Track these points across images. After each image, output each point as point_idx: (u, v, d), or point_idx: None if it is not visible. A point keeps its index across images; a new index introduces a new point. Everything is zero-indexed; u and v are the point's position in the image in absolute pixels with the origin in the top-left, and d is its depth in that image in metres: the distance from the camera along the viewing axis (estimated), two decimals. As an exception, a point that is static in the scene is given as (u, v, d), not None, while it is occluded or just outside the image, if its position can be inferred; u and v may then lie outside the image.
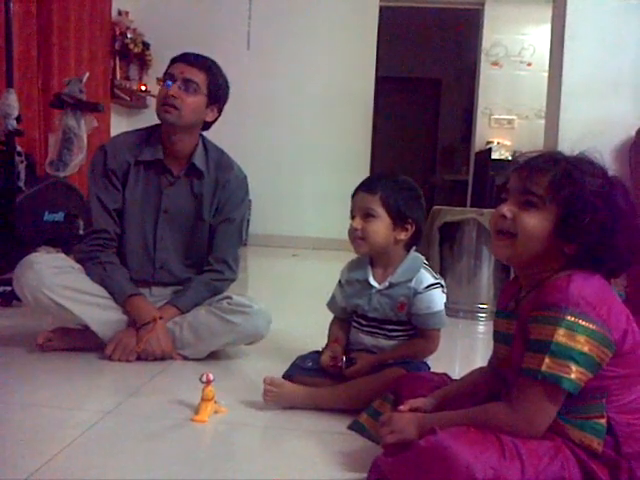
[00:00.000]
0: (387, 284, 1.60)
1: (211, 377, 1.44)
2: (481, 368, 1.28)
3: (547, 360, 0.98)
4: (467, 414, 1.07)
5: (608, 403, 1.01)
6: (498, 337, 1.19)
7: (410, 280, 1.58)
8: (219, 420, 1.44)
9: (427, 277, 1.58)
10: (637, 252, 1.07)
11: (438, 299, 1.57)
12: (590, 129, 3.07)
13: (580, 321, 0.97)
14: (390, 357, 1.57)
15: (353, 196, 1.63)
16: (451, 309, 2.65)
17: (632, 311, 1.06)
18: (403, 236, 1.59)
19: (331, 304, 1.75)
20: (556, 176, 1.05)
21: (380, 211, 1.56)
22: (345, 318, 1.72)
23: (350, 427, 1.39)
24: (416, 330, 1.60)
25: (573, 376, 0.96)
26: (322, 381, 1.58)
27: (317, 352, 1.68)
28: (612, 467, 0.99)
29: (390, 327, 1.61)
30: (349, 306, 1.68)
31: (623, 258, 1.07)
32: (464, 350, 2.48)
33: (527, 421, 0.99)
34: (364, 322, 1.64)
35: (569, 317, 0.98)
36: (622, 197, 1.06)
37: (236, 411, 1.49)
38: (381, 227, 1.57)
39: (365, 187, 1.60)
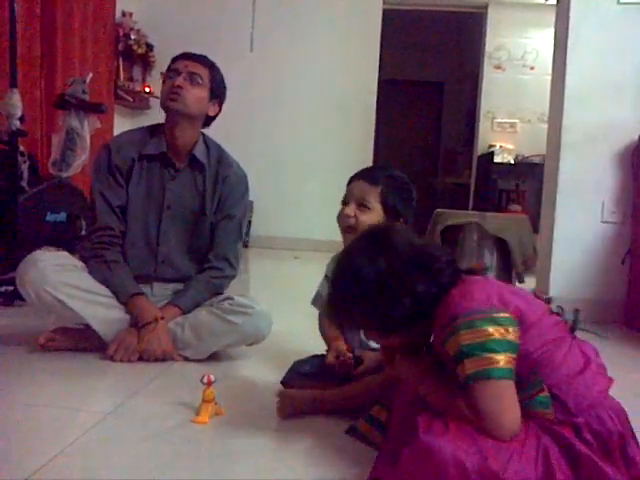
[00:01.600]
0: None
1: (212, 378, 1.44)
2: None
3: (467, 364, 1.00)
4: (444, 398, 1.06)
5: (544, 375, 1.02)
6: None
7: None
8: (220, 421, 1.43)
9: None
10: (445, 274, 1.09)
11: None
12: (593, 133, 3.07)
13: (472, 318, 1.01)
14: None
15: (350, 182, 1.61)
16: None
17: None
18: None
19: (316, 300, 1.73)
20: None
21: (376, 205, 1.55)
22: None
23: (347, 432, 1.38)
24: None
25: (501, 364, 0.98)
26: (321, 385, 1.55)
27: (315, 356, 1.67)
28: (573, 428, 1.00)
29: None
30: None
31: (436, 288, 1.08)
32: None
33: (495, 425, 0.98)
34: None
35: (460, 321, 1.01)
36: (394, 247, 1.10)
37: (237, 412, 1.49)
38: (374, 220, 1.54)
39: (367, 177, 1.59)
